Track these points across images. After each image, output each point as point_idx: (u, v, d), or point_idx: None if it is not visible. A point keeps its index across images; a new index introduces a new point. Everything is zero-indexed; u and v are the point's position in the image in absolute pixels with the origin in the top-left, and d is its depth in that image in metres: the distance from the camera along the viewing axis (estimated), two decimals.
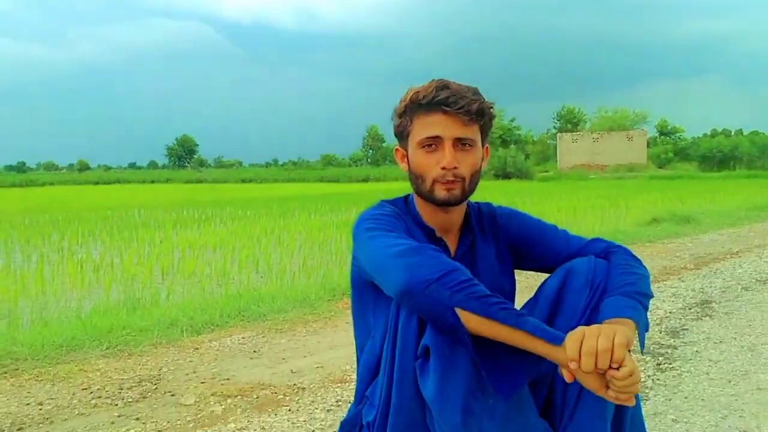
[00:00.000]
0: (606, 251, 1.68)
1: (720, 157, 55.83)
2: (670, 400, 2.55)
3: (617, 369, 1.29)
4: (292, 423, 2.41)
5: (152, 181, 53.70)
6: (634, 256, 1.66)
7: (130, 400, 2.68)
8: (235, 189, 33.80)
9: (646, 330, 1.50)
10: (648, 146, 56.94)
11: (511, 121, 66.75)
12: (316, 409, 2.55)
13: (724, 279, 5.15)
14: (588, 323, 1.42)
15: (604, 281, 1.54)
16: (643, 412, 2.42)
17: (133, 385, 2.86)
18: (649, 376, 2.83)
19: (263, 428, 2.36)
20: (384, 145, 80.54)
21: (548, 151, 66.36)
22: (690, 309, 4.12)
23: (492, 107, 1.65)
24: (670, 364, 3.00)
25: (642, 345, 1.48)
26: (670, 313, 4.03)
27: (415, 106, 1.62)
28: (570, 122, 74.19)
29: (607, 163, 50.62)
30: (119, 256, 7.29)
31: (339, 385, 2.82)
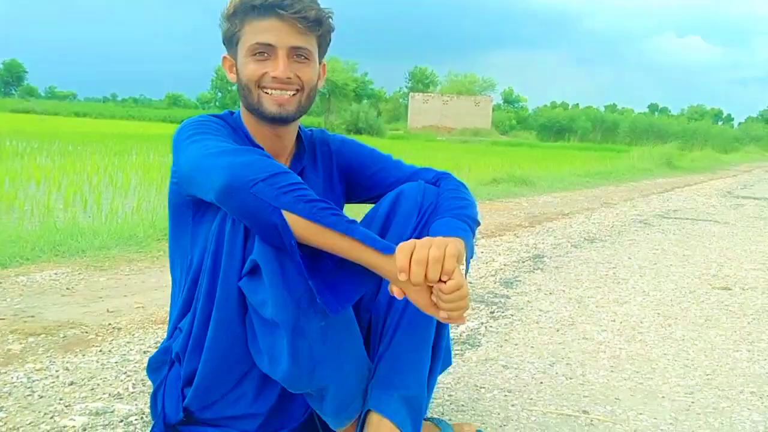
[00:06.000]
0: (436, 178, 1.63)
1: (557, 128, 59.44)
2: (501, 347, 2.56)
3: (446, 283, 1.24)
4: (102, 364, 2.17)
5: None
6: (463, 184, 1.62)
7: None
8: (68, 122, 31.31)
9: (472, 256, 1.46)
10: (492, 112, 59.31)
11: (365, 74, 66.88)
12: (132, 350, 2.31)
13: (555, 237, 5.37)
14: None
15: (433, 205, 1.48)
16: (475, 358, 2.42)
17: None
18: (482, 323, 2.84)
19: (67, 369, 2.10)
20: (234, 87, 77.77)
21: (400, 109, 67.48)
22: (523, 262, 4.24)
23: (331, 16, 1.50)
24: (502, 312, 3.03)
25: (467, 270, 1.43)
26: (504, 265, 4.12)
27: (246, 8, 1.44)
28: (422, 83, 75.74)
29: (454, 126, 52.27)
30: None
31: (160, 326, 2.59)
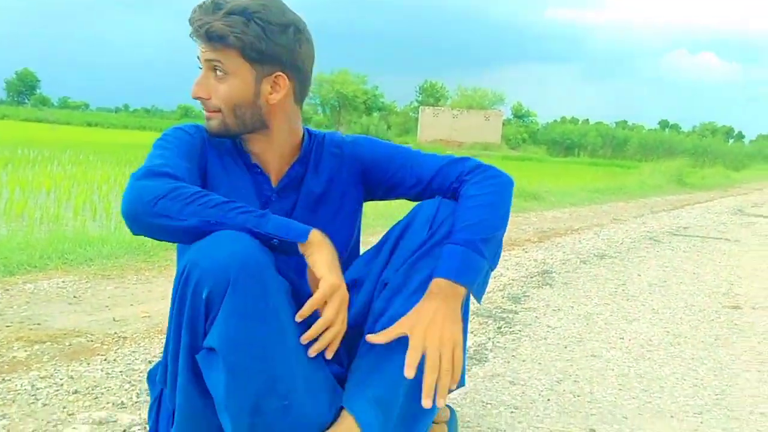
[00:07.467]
0: (459, 178, 1.53)
1: (567, 143, 59.38)
2: (508, 362, 2.54)
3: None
4: (107, 373, 2.16)
5: None
6: (495, 177, 1.52)
7: None
8: (79, 132, 31.51)
9: (485, 285, 1.45)
10: (502, 127, 59.29)
11: (375, 88, 67.09)
12: (137, 359, 2.30)
13: (564, 252, 5.34)
14: (417, 261, 1.41)
15: (448, 219, 1.43)
16: (482, 374, 2.40)
17: None
18: (489, 339, 2.82)
19: (71, 377, 2.09)
20: None
21: (410, 123, 67.45)
22: (531, 278, 4.22)
23: (235, 31, 1.37)
24: (510, 328, 3.01)
25: (479, 298, 1.43)
26: (512, 280, 4.10)
27: None
28: (432, 96, 75.81)
29: (464, 140, 52.25)
30: None
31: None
